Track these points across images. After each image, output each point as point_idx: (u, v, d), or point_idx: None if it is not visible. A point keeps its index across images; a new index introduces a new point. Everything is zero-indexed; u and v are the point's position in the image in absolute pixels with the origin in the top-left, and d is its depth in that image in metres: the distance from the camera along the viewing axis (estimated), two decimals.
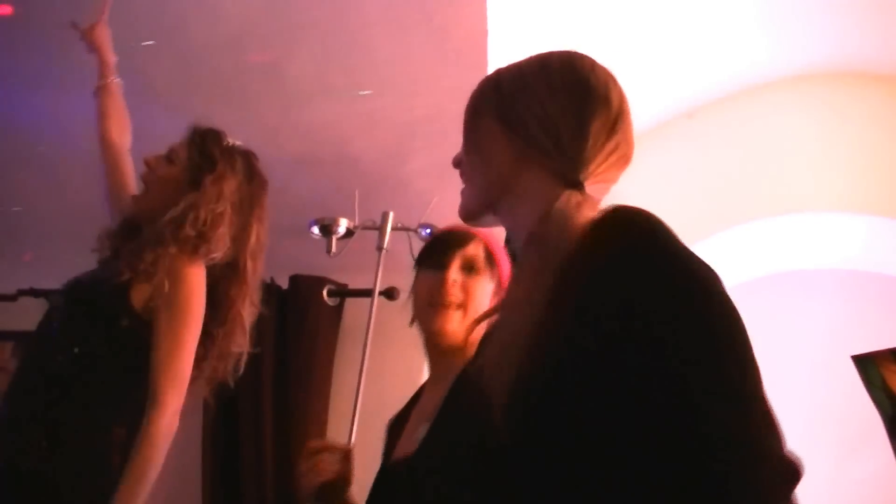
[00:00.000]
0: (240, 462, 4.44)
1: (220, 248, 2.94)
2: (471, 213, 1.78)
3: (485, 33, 3.73)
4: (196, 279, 2.87)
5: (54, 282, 4.79)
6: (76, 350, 2.82)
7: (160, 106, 3.89)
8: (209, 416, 4.43)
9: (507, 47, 3.78)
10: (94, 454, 2.79)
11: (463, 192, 1.80)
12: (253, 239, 3.07)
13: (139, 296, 2.86)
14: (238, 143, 3.18)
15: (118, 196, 3.20)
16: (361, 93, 3.92)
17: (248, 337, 3.08)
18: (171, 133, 3.17)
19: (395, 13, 3.73)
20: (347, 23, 3.79)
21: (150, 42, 3.58)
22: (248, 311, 3.07)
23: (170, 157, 3.09)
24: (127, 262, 2.87)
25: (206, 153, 3.08)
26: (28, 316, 4.98)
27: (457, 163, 1.82)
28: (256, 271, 3.08)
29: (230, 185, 3.04)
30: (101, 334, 2.86)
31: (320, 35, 3.84)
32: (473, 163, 1.76)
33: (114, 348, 2.86)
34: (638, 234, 1.42)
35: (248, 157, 3.18)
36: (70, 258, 4.34)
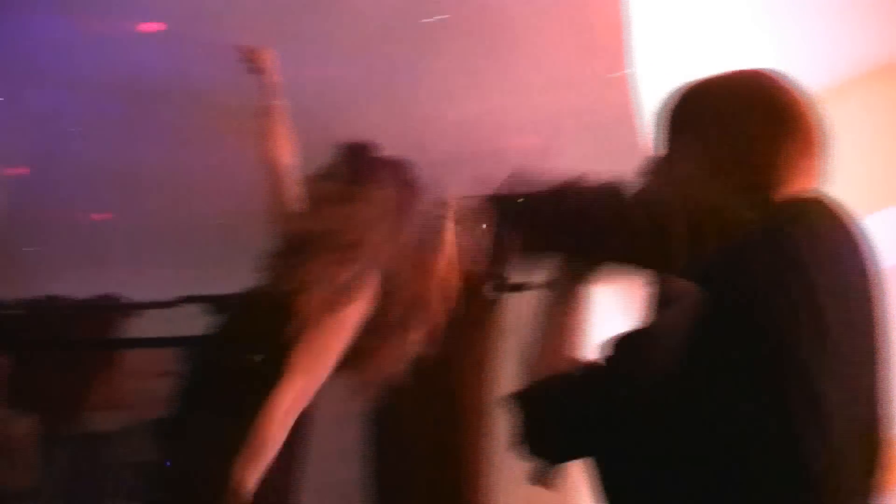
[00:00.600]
0: (402, 460, 4.42)
1: (381, 256, 2.93)
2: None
3: (624, 25, 3.65)
4: (360, 289, 2.87)
5: (214, 288, 4.93)
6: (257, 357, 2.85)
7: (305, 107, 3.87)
8: (372, 415, 4.42)
9: (647, 37, 3.70)
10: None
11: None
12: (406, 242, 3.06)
13: (306, 305, 2.85)
14: (384, 153, 3.17)
15: (278, 213, 3.20)
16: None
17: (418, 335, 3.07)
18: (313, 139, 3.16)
19: (536, 6, 3.63)
20: (490, 18, 3.73)
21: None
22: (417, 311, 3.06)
23: (327, 175, 3.08)
24: (296, 274, 2.86)
25: (356, 168, 3.07)
26: (189, 322, 5.12)
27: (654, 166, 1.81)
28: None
29: (383, 196, 3.03)
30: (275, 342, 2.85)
31: (463, 31, 3.79)
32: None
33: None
34: None
35: (396, 167, 3.17)
36: (228, 265, 4.41)
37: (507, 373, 4.46)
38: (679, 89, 1.81)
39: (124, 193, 5.00)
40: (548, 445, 1.76)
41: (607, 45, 3.78)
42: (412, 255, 3.08)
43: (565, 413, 1.69)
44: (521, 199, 1.90)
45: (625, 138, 3.72)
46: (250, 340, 2.91)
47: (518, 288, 4.49)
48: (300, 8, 3.76)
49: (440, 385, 4.45)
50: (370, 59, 4.00)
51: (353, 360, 2.98)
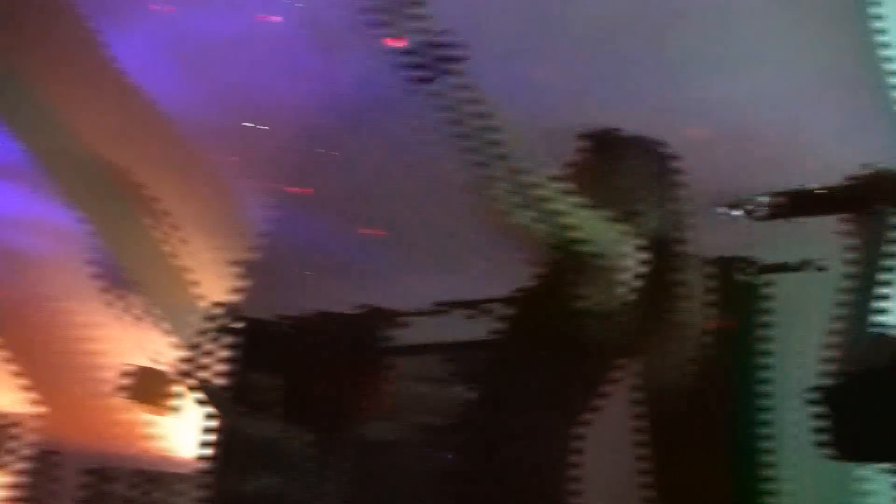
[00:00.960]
0: (677, 460, 4.41)
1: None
2: None
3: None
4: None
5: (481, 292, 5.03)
6: None
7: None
8: (643, 412, 4.42)
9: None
10: None
11: None
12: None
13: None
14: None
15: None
16: None
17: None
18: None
19: None
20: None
21: None
22: None
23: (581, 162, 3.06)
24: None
25: (608, 147, 3.04)
26: (452, 328, 5.23)
27: None
28: None
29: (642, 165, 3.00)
30: None
31: (702, 11, 3.76)
32: None
33: None
34: None
35: (646, 140, 3.13)
36: (487, 270, 4.50)
37: (781, 361, 4.39)
38: None
39: (387, 205, 5.15)
40: (859, 448, 1.70)
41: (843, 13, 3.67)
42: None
43: (883, 416, 1.61)
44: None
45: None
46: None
47: (779, 269, 4.43)
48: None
49: (709, 380, 4.41)
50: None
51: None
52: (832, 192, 1.85)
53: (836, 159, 3.97)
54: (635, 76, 4.10)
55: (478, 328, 4.88)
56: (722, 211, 4.17)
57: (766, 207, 1.88)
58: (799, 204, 1.91)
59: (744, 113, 4.08)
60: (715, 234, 4.29)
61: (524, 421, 2.86)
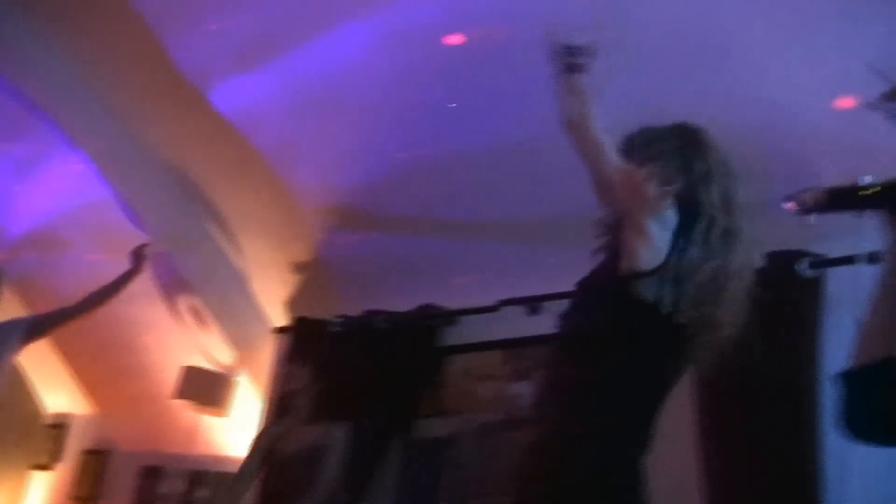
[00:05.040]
0: (738, 437, 4.37)
1: None
2: None
3: None
4: None
5: (532, 290, 5.03)
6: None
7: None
8: (701, 403, 4.38)
9: None
10: None
11: None
12: None
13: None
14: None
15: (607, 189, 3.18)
16: None
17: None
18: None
19: None
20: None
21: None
22: None
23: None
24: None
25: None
26: (510, 324, 5.23)
27: None
28: None
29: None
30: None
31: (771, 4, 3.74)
32: None
33: None
34: None
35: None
36: (546, 266, 4.50)
37: (836, 353, 4.34)
38: None
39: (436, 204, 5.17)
40: (873, 429, 1.75)
41: None
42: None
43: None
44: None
45: None
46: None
47: (845, 262, 4.37)
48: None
49: (764, 373, 4.38)
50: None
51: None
52: (873, 189, 1.84)
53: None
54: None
55: (537, 325, 4.90)
56: (786, 205, 4.15)
57: (806, 202, 1.87)
58: (837, 200, 1.90)
59: (805, 107, 4.06)
60: (780, 229, 4.29)
61: (596, 421, 2.87)
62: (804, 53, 3.88)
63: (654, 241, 2.87)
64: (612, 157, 2.89)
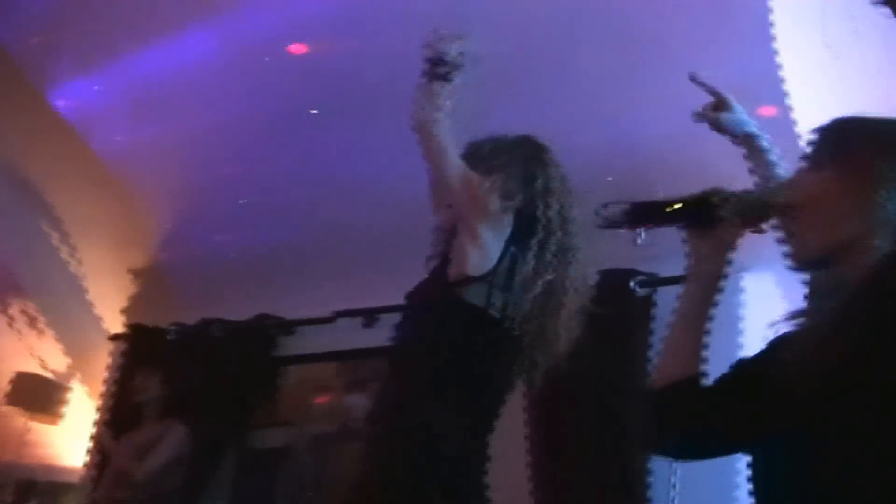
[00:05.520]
0: (564, 452, 4.43)
1: None
2: (817, 255, 1.74)
3: (767, 8, 3.60)
4: None
5: (368, 302, 5.03)
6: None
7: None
8: (532, 415, 4.43)
9: (790, 23, 3.64)
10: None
11: (805, 227, 1.74)
12: None
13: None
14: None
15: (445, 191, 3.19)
16: None
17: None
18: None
19: None
20: (626, 7, 3.72)
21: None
22: None
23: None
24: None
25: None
26: (345, 336, 5.23)
27: (797, 189, 1.76)
28: None
29: None
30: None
31: (613, 29, 3.80)
32: (842, 197, 1.68)
33: None
34: None
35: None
36: (381, 278, 4.48)
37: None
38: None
39: (276, 216, 5.13)
40: (671, 446, 1.81)
41: (750, 30, 3.72)
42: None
43: (688, 418, 1.71)
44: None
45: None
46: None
47: (674, 281, 4.46)
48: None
49: (591, 383, 4.45)
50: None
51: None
52: (678, 204, 1.86)
53: (729, 179, 4.06)
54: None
55: (372, 337, 4.91)
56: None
57: (610, 216, 1.88)
58: (641, 214, 1.92)
59: (641, 126, 4.12)
60: (616, 247, 4.36)
61: (432, 425, 2.87)
62: (647, 74, 3.96)
63: (486, 248, 2.89)
64: (456, 161, 2.92)
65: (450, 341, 2.89)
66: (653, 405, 1.75)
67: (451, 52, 3.00)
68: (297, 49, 4.47)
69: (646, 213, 1.96)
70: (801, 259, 1.76)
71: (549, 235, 2.98)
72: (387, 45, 4.04)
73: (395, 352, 3.09)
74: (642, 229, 3.85)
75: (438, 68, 2.97)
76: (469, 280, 2.87)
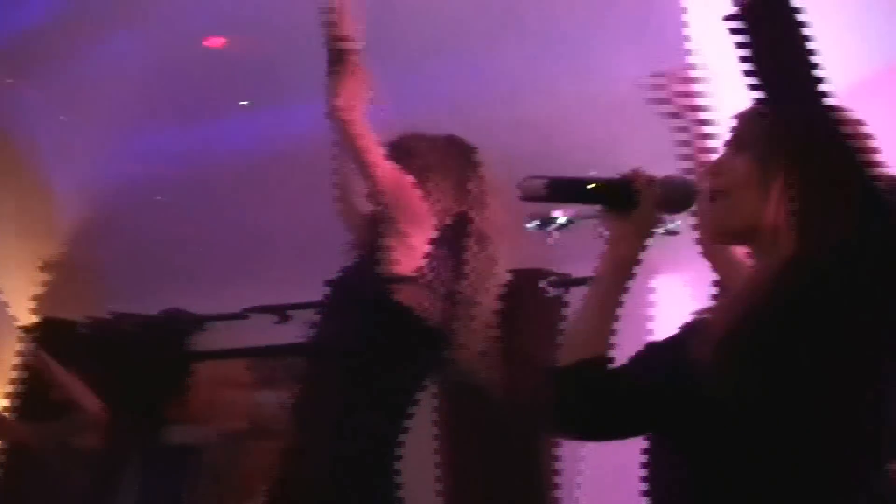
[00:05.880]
0: (474, 453, 4.45)
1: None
2: (733, 232, 1.77)
3: (682, 11, 3.62)
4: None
5: (280, 298, 5.01)
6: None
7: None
8: (442, 414, 4.45)
9: (706, 25, 3.68)
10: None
11: (722, 207, 1.74)
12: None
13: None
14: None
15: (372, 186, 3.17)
16: None
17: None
18: None
19: None
20: (543, 11, 3.73)
21: None
22: None
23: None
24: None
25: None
26: (257, 332, 5.20)
27: (718, 171, 1.77)
28: None
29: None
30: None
31: (526, 27, 3.80)
32: (758, 179, 1.67)
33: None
34: None
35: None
36: (294, 275, 4.46)
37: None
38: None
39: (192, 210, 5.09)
40: (574, 424, 1.81)
41: (666, 32, 3.75)
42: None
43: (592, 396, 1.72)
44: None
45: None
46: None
47: (584, 282, 4.49)
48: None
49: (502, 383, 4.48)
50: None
51: None
52: (596, 185, 1.86)
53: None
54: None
55: (284, 333, 4.89)
56: (530, 224, 4.24)
57: (529, 189, 1.86)
58: (561, 190, 1.91)
59: (553, 130, 4.14)
60: (528, 247, 4.38)
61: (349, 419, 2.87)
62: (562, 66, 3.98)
63: (415, 249, 2.87)
64: (383, 156, 2.87)
65: (374, 336, 2.87)
66: (558, 382, 1.75)
67: (351, 35, 2.92)
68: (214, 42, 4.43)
69: (567, 190, 1.96)
70: (718, 238, 1.85)
71: (481, 242, 3.00)
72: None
73: (315, 347, 3.09)
74: (554, 227, 3.88)
75: (342, 52, 2.90)
76: (398, 279, 2.86)
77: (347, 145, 2.89)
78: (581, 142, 4.13)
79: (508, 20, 3.84)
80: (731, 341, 1.53)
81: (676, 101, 2.35)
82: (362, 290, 2.93)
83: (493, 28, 3.91)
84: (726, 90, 3.94)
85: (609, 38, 3.81)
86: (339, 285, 3.03)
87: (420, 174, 2.93)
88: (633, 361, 1.73)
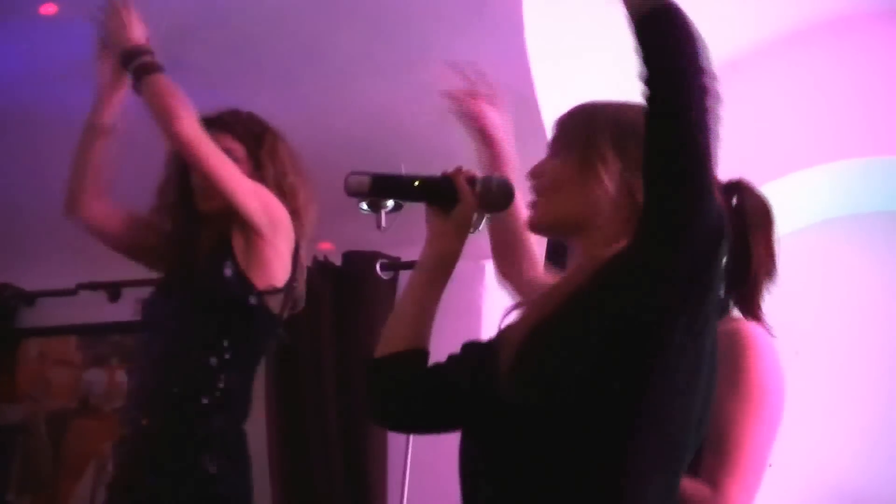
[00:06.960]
0: (304, 438, 4.48)
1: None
2: (547, 227, 1.90)
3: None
4: None
5: (112, 275, 4.93)
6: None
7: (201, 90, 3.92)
8: (270, 388, 4.47)
9: (542, 18, 3.77)
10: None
11: (540, 204, 1.87)
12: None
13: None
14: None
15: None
16: None
17: None
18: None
19: None
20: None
21: None
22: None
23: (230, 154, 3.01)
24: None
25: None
26: (88, 309, 5.13)
27: (539, 173, 1.88)
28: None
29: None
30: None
31: (362, 12, 3.84)
32: (573, 180, 1.81)
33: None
34: None
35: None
36: None
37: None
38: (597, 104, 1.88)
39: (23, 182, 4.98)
40: (389, 414, 1.89)
41: (504, 24, 3.82)
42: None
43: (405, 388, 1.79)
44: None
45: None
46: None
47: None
48: None
49: (333, 365, 4.53)
50: None
51: None
52: (419, 181, 1.93)
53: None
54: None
55: (116, 311, 4.85)
56: (365, 209, 4.30)
57: (353, 185, 1.92)
58: (383, 187, 1.98)
59: (395, 116, 4.19)
60: (361, 230, 4.43)
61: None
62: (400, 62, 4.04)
63: (285, 260, 2.95)
64: (236, 170, 2.88)
65: (205, 316, 2.90)
66: (372, 374, 1.81)
67: (135, 41, 2.88)
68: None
69: (389, 187, 2.02)
70: (537, 232, 1.94)
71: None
72: None
73: (147, 328, 3.08)
74: (384, 211, 3.95)
75: (144, 59, 2.86)
76: (274, 291, 2.93)
77: (198, 164, 2.83)
78: (415, 130, 4.20)
79: (342, 8, 3.90)
80: (527, 346, 1.64)
81: (473, 121, 2.41)
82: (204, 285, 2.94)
83: (330, 16, 3.95)
84: (556, 90, 4.10)
85: (446, 26, 3.89)
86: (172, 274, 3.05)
87: (276, 188, 2.99)
88: (450, 359, 1.80)
